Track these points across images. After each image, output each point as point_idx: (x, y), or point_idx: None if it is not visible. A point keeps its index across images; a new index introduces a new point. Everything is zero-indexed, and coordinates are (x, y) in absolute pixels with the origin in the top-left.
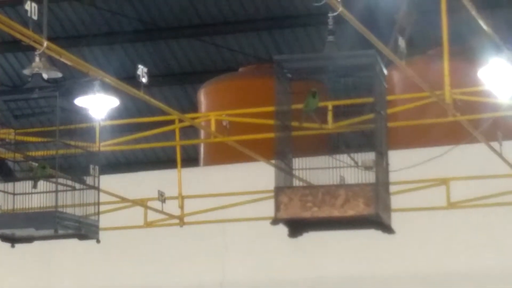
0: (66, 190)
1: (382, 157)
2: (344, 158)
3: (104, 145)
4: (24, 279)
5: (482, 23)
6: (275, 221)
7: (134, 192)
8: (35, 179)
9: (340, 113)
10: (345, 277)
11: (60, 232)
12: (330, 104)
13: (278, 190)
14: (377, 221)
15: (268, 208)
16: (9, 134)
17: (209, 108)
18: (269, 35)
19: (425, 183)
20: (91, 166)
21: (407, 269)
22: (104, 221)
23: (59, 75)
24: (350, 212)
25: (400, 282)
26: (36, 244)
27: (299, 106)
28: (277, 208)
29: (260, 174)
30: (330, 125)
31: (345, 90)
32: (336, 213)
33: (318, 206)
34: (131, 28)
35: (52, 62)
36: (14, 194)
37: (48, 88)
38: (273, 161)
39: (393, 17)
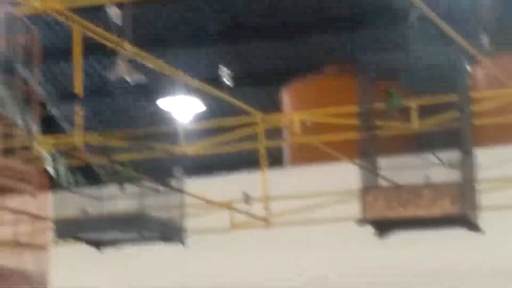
0: (151, 194)
1: (467, 155)
2: (429, 157)
3: (189, 149)
4: (111, 282)
5: None
6: (361, 221)
7: (219, 194)
8: (121, 183)
9: (424, 111)
10: (432, 276)
11: (146, 235)
12: (414, 103)
13: (364, 190)
14: (463, 219)
15: (353, 208)
16: (94, 139)
17: (292, 108)
18: (352, 35)
19: None
20: (176, 169)
21: (496, 267)
22: (189, 223)
23: (143, 78)
24: (436, 211)
25: (489, 280)
26: (125, 247)
27: (383, 105)
28: (364, 208)
29: (345, 174)
30: (415, 124)
31: (429, 88)
32: (422, 212)
33: (404, 205)
34: (214, 29)
35: (136, 66)
36: (100, 198)
37: (134, 92)
38: (357, 161)
39: (476, 13)
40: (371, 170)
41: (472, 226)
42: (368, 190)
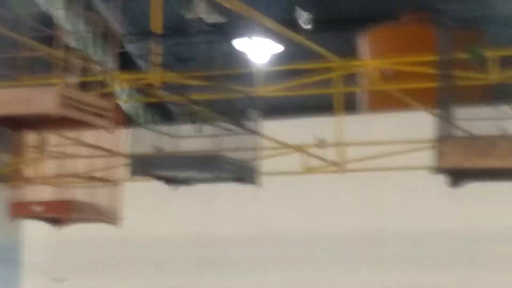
0: (227, 135)
1: None
2: (506, 108)
3: (264, 91)
4: (185, 221)
5: None
6: (436, 170)
7: (293, 138)
8: (198, 123)
9: (504, 63)
10: (503, 231)
11: (222, 175)
12: (493, 54)
13: (440, 140)
14: None
15: (427, 157)
16: (172, 78)
17: (370, 55)
18: None
19: None
20: (251, 111)
21: None
22: (264, 166)
23: (221, 19)
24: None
25: None
26: (196, 187)
27: (462, 55)
28: (439, 157)
29: (420, 123)
30: (493, 75)
31: (509, 40)
32: (498, 163)
33: (480, 156)
34: None
35: (215, 7)
36: (175, 136)
37: (211, 33)
38: (434, 111)
39: None
40: (447, 120)
41: None
42: (444, 139)
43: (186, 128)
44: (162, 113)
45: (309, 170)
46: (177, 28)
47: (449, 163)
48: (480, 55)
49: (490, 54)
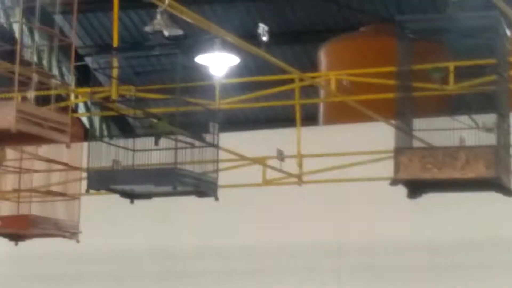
0: (185, 148)
1: (503, 119)
2: (465, 119)
3: (224, 103)
4: (144, 234)
5: None
6: (394, 181)
7: (253, 150)
8: (156, 136)
9: (462, 74)
10: (463, 239)
11: (179, 189)
12: (451, 65)
13: (398, 151)
14: (497, 183)
15: (387, 168)
16: (129, 91)
17: (330, 67)
18: None
19: None
20: (211, 124)
21: None
22: (223, 179)
23: (180, 32)
24: (470, 174)
25: None
26: (155, 200)
27: (421, 66)
28: (397, 168)
29: (380, 134)
30: (451, 86)
31: (467, 51)
32: (456, 175)
33: (438, 167)
34: None
35: (174, 20)
36: (134, 150)
37: (169, 46)
38: (393, 122)
39: None
40: (406, 131)
41: (505, 190)
42: (403, 150)
43: (144, 142)
44: (122, 126)
45: (268, 182)
46: (135, 41)
47: (408, 175)
48: (441, 73)
49: (449, 65)
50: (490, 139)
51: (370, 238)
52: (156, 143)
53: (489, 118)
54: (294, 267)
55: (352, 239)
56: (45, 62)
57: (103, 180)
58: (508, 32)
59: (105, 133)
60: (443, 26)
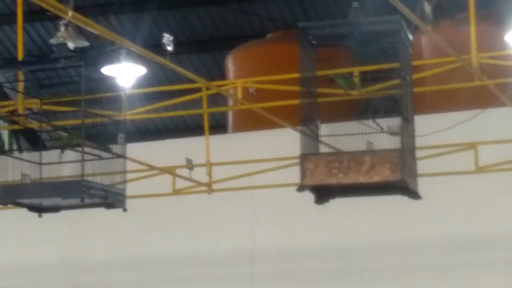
0: (93, 159)
1: (407, 122)
2: (371, 123)
3: (131, 114)
4: (54, 248)
5: None
6: (301, 187)
7: (162, 160)
8: (62, 148)
9: (366, 78)
10: (373, 243)
11: (87, 201)
12: (356, 70)
13: (304, 157)
14: (403, 186)
15: (295, 174)
16: (36, 104)
17: (237, 75)
18: (297, 1)
19: (453, 148)
20: (119, 135)
21: (435, 235)
22: (132, 189)
23: (85, 44)
24: (375, 178)
25: (428, 247)
26: (64, 213)
27: (324, 72)
28: (303, 174)
29: (288, 141)
30: (357, 90)
31: (371, 56)
32: (362, 179)
33: (344, 172)
34: None
35: (79, 31)
36: (40, 163)
37: (74, 58)
38: (298, 128)
39: None
40: (311, 136)
41: (412, 193)
42: (308, 156)
43: (52, 154)
44: (31, 140)
45: (178, 192)
46: (43, 54)
47: (314, 180)
48: (349, 81)
49: (352, 70)
50: (396, 142)
51: (282, 244)
52: (63, 156)
53: (395, 122)
54: (207, 276)
55: (264, 246)
56: None
57: (10, 194)
58: (410, 36)
59: (15, 146)
60: (345, 32)
